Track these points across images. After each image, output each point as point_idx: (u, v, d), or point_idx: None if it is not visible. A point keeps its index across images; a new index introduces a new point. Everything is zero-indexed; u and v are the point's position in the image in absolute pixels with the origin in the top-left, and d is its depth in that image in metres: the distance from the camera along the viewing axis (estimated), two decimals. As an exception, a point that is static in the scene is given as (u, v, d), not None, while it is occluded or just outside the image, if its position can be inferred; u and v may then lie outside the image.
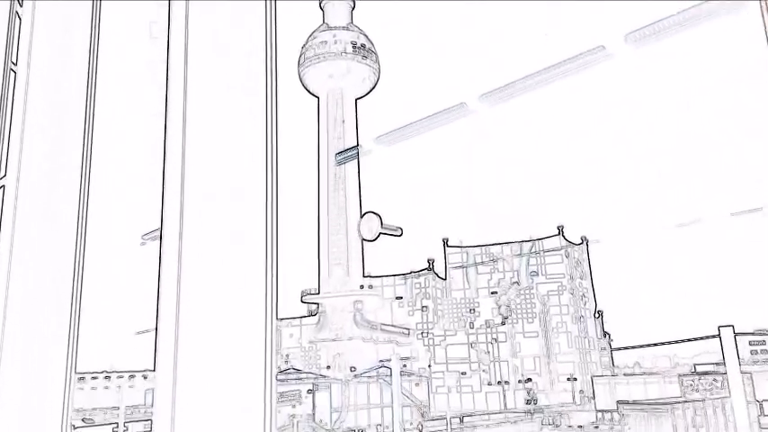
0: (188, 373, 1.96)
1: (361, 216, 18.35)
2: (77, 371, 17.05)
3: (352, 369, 18.54)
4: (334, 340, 19.25)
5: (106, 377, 18.13)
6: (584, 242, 17.66)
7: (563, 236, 17.73)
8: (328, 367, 18.94)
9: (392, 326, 19.19)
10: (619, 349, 16.19)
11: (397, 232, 16.83)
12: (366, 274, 19.65)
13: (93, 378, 17.88)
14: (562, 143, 16.13)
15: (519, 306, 17.92)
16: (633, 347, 15.21)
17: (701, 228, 13.42)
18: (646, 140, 14.78)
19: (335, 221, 19.82)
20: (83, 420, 16.81)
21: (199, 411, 1.91)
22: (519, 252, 18.22)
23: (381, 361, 18.27)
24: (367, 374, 18.36)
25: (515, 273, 18.17)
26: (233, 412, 1.94)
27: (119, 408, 15.70)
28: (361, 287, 19.60)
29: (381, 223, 17.31)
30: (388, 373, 17.91)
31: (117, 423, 14.80)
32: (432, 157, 17.57)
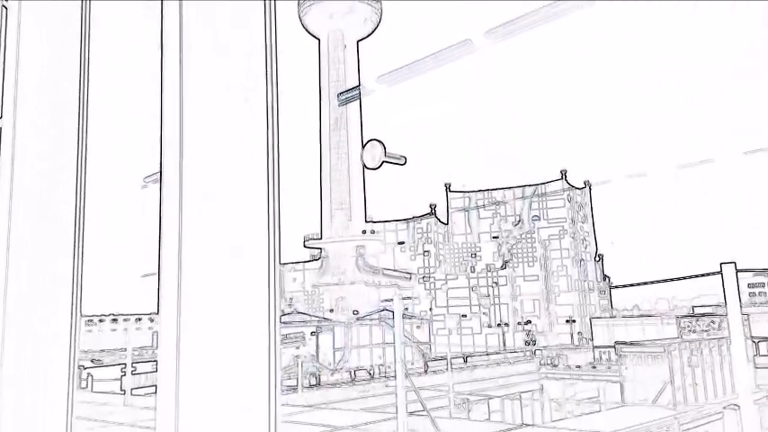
0: (192, 317, 1.99)
1: (364, 144, 18.04)
2: (84, 314, 17.34)
3: (355, 312, 18.82)
4: (336, 284, 19.46)
5: (113, 320, 18.44)
6: (587, 186, 17.60)
7: (566, 180, 17.66)
8: (331, 310, 19.21)
9: (394, 270, 19.36)
10: (618, 287, 16.35)
11: (401, 161, 16.54)
12: (368, 219, 19.69)
13: (101, 321, 18.20)
14: (567, 83, 15.83)
15: (520, 250, 18.02)
16: (633, 285, 15.33)
17: (705, 169, 13.32)
18: (651, 82, 14.50)
19: (337, 165, 19.71)
20: (92, 361, 17.22)
21: (203, 353, 1.95)
22: (521, 196, 18.19)
23: (384, 301, 18.53)
24: (369, 317, 18.64)
25: (517, 217, 18.19)
26: (237, 353, 1.99)
27: (126, 349, 16.04)
28: (364, 232, 19.67)
29: (385, 151, 17.00)
30: (390, 316, 18.19)
31: (125, 364, 15.15)
32: (434, 98, 17.28)
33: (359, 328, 18.44)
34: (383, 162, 17.11)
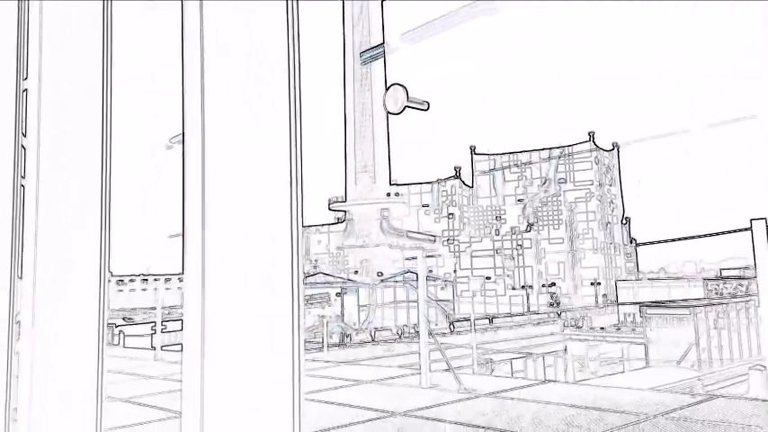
0: (216, 277, 2.03)
1: (387, 89, 17.77)
2: (115, 274, 17.81)
3: (379, 274, 18.97)
4: (361, 246, 19.60)
5: (143, 280, 18.91)
6: (615, 148, 17.28)
7: (593, 142, 17.35)
8: (356, 272, 19.40)
9: (418, 233, 19.40)
10: (645, 244, 16.16)
11: (423, 106, 16.24)
12: (393, 182, 19.66)
13: (131, 281, 18.69)
14: (597, 43, 15.42)
15: (545, 213, 17.90)
16: (659, 242, 15.10)
17: (738, 127, 12.98)
18: (677, 43, 14.05)
19: (362, 126, 19.63)
20: (123, 319, 17.77)
21: (228, 313, 2.00)
22: (548, 158, 17.96)
23: (408, 259, 18.63)
24: (393, 279, 18.80)
25: (543, 180, 18.01)
26: (261, 313, 2.03)
27: (156, 308, 16.48)
28: (388, 195, 19.67)
29: (407, 95, 16.73)
30: (414, 278, 18.32)
31: (155, 322, 15.61)
32: (459, 56, 16.98)
33: (383, 290, 18.62)
34: (405, 107, 16.80)
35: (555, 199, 17.88)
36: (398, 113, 17.01)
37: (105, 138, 2.98)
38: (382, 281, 18.93)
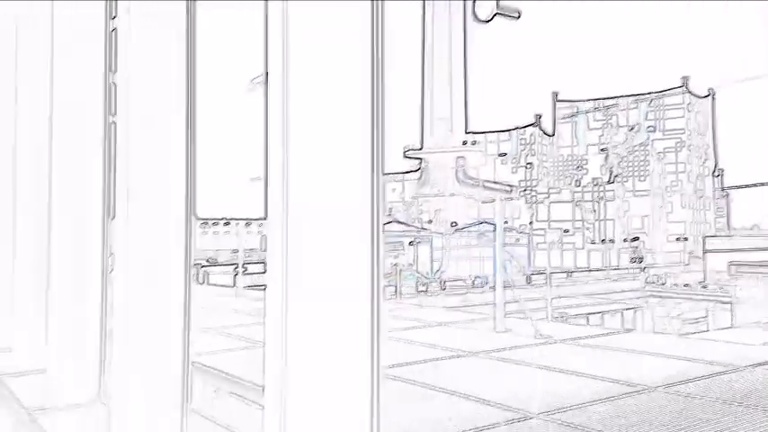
0: (297, 221, 2.03)
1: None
2: (199, 217, 18.56)
3: (453, 224, 18.83)
4: (436, 196, 19.46)
5: (226, 223, 19.62)
6: (711, 94, 16.12)
7: (687, 88, 16.23)
8: (430, 221, 19.34)
9: (495, 182, 19.01)
10: (739, 187, 15.14)
11: (515, 14, 15.46)
12: (469, 130, 19.24)
13: (215, 224, 19.44)
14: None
15: (631, 163, 17.05)
16: (756, 185, 14.10)
17: None
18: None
19: (440, 73, 19.19)
20: (207, 261, 18.58)
21: (308, 256, 2.01)
22: (636, 106, 16.98)
23: (485, 202, 18.35)
24: (467, 230, 18.62)
25: (630, 128, 17.09)
26: (340, 255, 2.03)
27: (237, 251, 17.09)
28: (464, 143, 19.31)
29: (497, 2, 15.95)
30: (489, 229, 18.06)
31: (237, 264, 16.22)
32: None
33: (457, 240, 18.52)
34: (496, 14, 16.04)
35: (642, 148, 16.97)
36: (488, 21, 16.20)
37: (190, 79, 2.98)
38: (456, 231, 18.78)
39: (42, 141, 4.27)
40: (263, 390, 1.85)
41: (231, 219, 19.50)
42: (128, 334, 2.85)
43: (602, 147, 17.49)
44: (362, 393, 1.72)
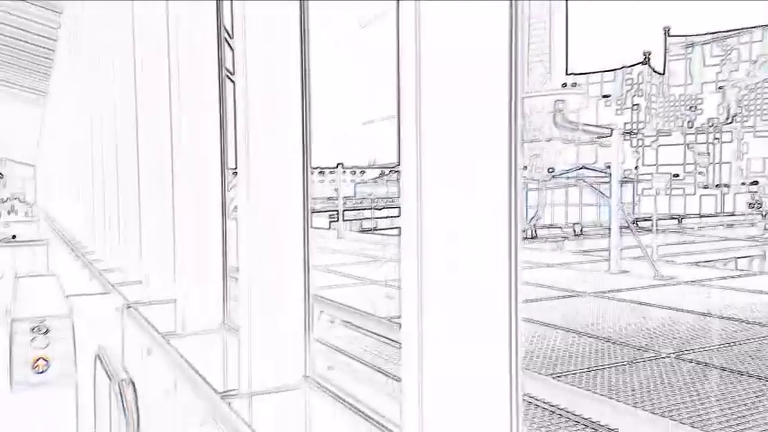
0: (431, 165, 1.98)
1: None
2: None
3: (551, 170, 18.21)
4: (532, 141, 18.85)
5: (320, 172, 20.00)
6: None
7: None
8: (524, 167, 18.83)
9: (596, 126, 18.14)
10: None
11: None
12: (570, 72, 18.35)
13: (321, 173, 19.95)
14: None
15: (753, 101, 15.67)
16: None
17: None
18: None
19: (539, 13, 18.28)
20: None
21: (444, 202, 1.97)
22: (761, 39, 15.49)
23: (585, 143, 17.59)
24: (565, 175, 17.97)
25: (753, 63, 15.67)
26: (476, 198, 1.97)
27: (336, 198, 17.41)
28: (564, 85, 18.46)
29: None
30: (588, 175, 17.34)
31: (337, 210, 16.55)
32: None
33: (554, 186, 17.96)
34: None
35: (766, 85, 15.56)
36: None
37: (304, 25, 2.92)
38: (553, 177, 18.18)
39: (162, 97, 4.45)
40: (401, 327, 1.83)
41: (325, 168, 19.83)
42: (250, 272, 2.97)
43: (720, 84, 16.17)
44: (501, 330, 1.65)
